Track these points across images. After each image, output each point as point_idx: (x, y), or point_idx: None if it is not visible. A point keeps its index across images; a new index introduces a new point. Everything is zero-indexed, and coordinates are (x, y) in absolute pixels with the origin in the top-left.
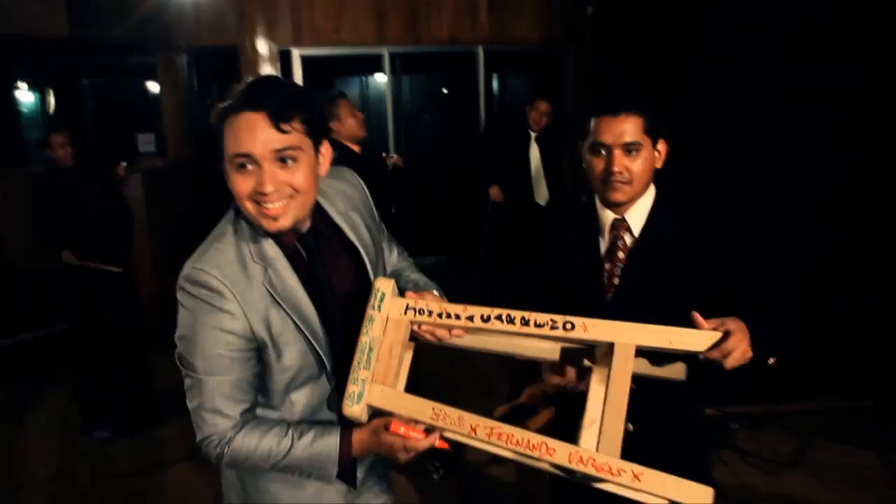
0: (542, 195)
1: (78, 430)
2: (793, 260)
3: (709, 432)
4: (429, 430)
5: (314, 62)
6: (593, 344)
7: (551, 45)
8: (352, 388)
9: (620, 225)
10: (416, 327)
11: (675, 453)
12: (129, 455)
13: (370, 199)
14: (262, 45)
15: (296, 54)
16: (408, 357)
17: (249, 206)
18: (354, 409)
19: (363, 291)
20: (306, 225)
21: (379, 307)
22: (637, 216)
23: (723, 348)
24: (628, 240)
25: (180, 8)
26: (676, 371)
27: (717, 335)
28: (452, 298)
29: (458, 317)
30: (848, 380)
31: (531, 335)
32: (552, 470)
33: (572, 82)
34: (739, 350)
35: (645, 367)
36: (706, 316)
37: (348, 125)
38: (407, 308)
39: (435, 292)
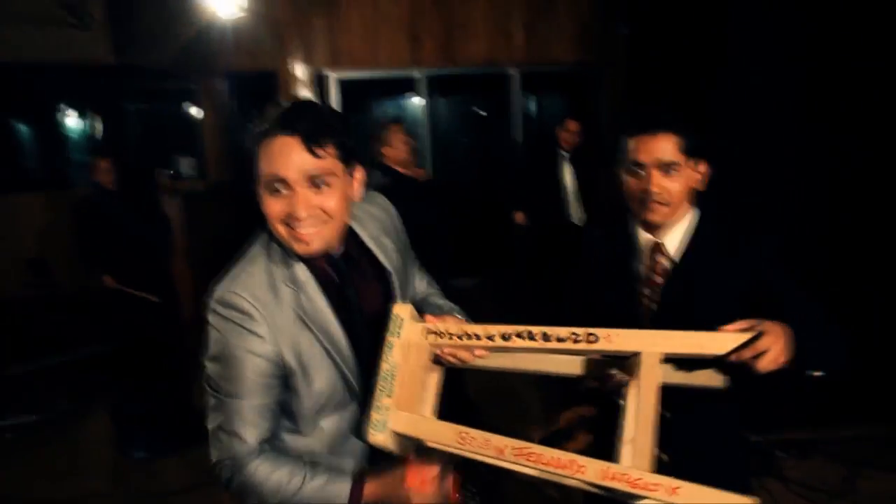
0: (577, 215)
1: (115, 450)
2: (841, 281)
3: (752, 460)
4: (444, 475)
5: (350, 85)
6: (619, 355)
7: (586, 66)
8: (376, 417)
9: (657, 248)
10: (437, 350)
11: (714, 481)
12: (165, 475)
13: (401, 224)
14: (299, 69)
15: (332, 77)
16: (434, 380)
17: (281, 230)
18: (379, 436)
19: None
20: (338, 248)
21: (398, 333)
22: (675, 239)
23: (755, 347)
24: (665, 263)
25: (220, 34)
26: (714, 378)
27: (748, 336)
28: (485, 321)
29: (478, 337)
30: None
31: (554, 350)
32: (588, 488)
33: (607, 103)
34: (773, 351)
35: (681, 377)
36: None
37: (400, 151)
38: (427, 332)
39: (458, 315)
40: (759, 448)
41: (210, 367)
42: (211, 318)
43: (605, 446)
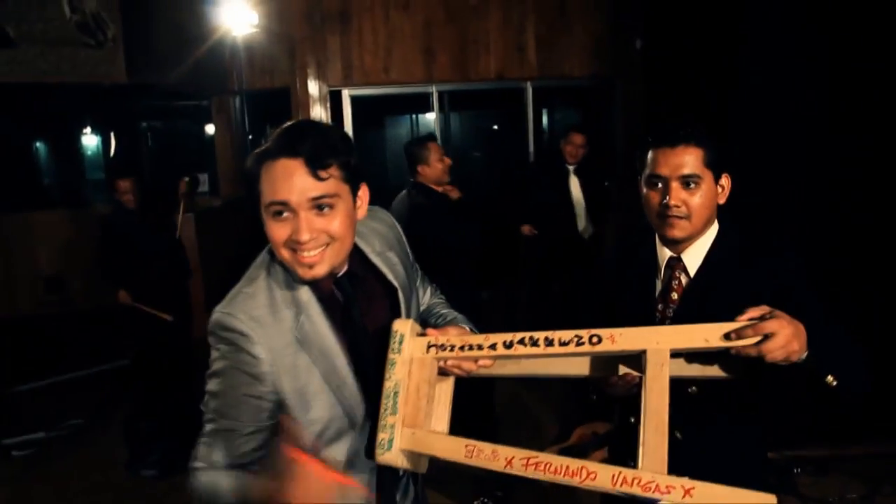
0: (584, 228)
1: (126, 468)
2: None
3: (769, 477)
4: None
5: (364, 101)
6: (625, 354)
7: (600, 80)
8: (381, 436)
9: (677, 265)
10: (441, 363)
11: None
12: (175, 494)
13: (404, 237)
14: (313, 86)
15: (345, 94)
16: (444, 391)
17: (285, 254)
18: (387, 456)
19: None
20: (343, 269)
21: (399, 350)
22: (695, 255)
23: (761, 327)
24: (684, 280)
25: (233, 53)
26: (728, 368)
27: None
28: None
29: (480, 347)
30: None
31: (558, 354)
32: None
33: (622, 116)
34: (781, 336)
35: (694, 369)
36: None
37: (436, 170)
38: (429, 346)
39: (464, 326)
40: (776, 465)
41: (208, 384)
42: (211, 339)
43: (622, 460)
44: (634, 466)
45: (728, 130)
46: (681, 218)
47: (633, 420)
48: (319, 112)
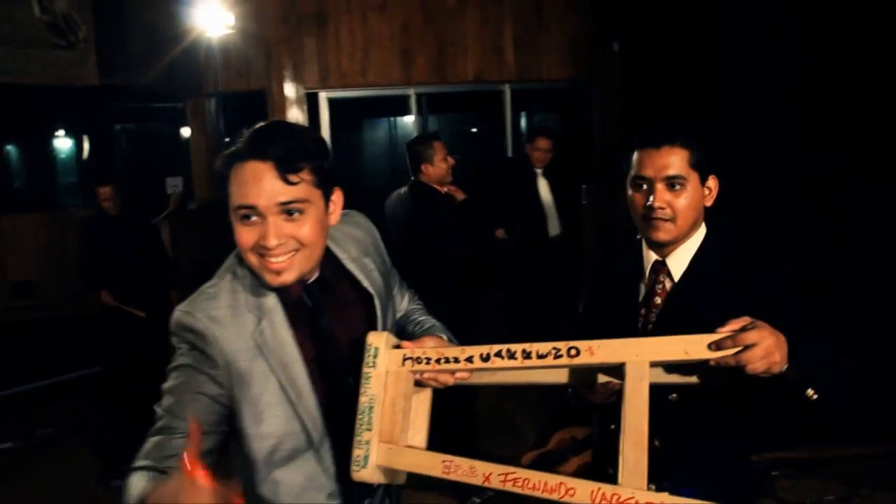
0: (553, 228)
1: (95, 478)
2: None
3: (749, 486)
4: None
5: (341, 104)
6: (604, 367)
7: (578, 83)
8: (357, 453)
9: (661, 269)
10: (418, 375)
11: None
12: None
13: (381, 242)
14: (290, 89)
15: (322, 97)
16: (421, 403)
17: (253, 259)
18: (363, 473)
19: None
20: (314, 275)
21: (373, 364)
22: (680, 260)
23: (742, 338)
24: (668, 284)
25: (208, 54)
26: (709, 376)
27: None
28: (479, 338)
29: (456, 360)
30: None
31: (536, 367)
32: None
33: (599, 118)
34: (762, 347)
35: (675, 378)
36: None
37: (440, 169)
38: (405, 359)
39: (442, 335)
40: (754, 468)
41: (165, 382)
42: (172, 338)
43: (601, 468)
44: (615, 476)
45: (706, 133)
46: (665, 220)
47: (613, 427)
48: (296, 114)
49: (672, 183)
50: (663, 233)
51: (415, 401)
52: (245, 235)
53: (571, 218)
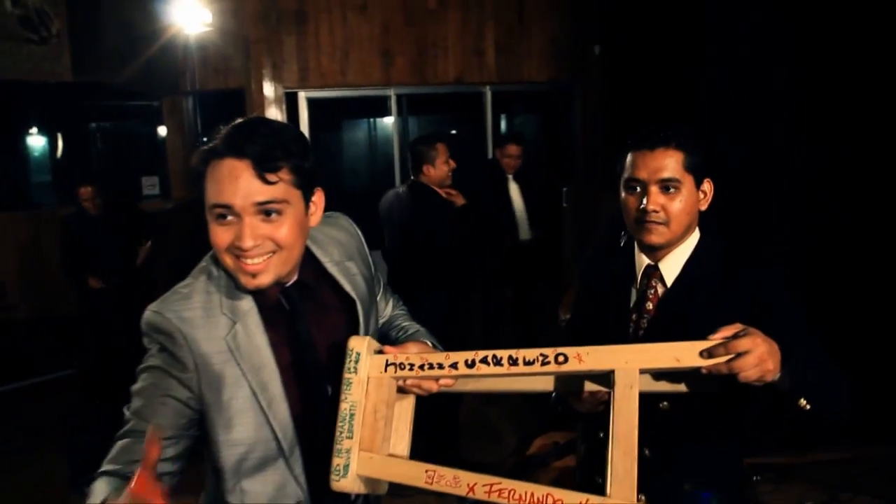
0: (524, 233)
1: (68, 484)
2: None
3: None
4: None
5: (321, 104)
6: (593, 374)
7: (559, 85)
8: (336, 462)
9: (653, 273)
10: (401, 382)
11: None
12: None
13: (366, 247)
14: (269, 88)
15: (302, 96)
16: (404, 410)
17: (228, 260)
18: (343, 482)
19: None
20: (292, 278)
21: (354, 369)
22: (673, 264)
23: (733, 346)
24: (660, 290)
25: (186, 52)
26: (701, 384)
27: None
28: (464, 340)
29: (441, 366)
30: (879, 426)
31: (522, 374)
32: None
33: (580, 121)
34: (754, 355)
35: (665, 385)
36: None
37: (441, 172)
38: (387, 364)
39: (426, 341)
40: (745, 475)
41: (134, 384)
42: (143, 339)
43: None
44: (603, 486)
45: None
46: (659, 223)
47: (602, 435)
48: (275, 114)
49: (666, 186)
50: (656, 236)
51: (397, 408)
52: (220, 235)
53: (551, 220)
